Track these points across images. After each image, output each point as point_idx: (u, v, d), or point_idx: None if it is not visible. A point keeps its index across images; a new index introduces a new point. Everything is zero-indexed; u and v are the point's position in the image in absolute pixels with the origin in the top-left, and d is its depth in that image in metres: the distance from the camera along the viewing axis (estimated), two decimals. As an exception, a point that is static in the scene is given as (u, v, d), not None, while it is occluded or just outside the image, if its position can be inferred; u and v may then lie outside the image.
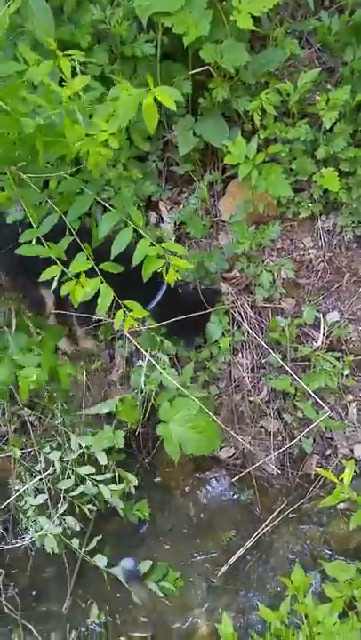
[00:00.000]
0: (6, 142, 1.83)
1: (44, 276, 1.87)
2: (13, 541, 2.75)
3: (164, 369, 2.58)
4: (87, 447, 2.60)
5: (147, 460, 2.97)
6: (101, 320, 2.86)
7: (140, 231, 1.95)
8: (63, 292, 1.84)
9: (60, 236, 2.01)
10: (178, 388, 2.54)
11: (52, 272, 1.86)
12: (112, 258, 1.90)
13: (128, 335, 2.61)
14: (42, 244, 1.93)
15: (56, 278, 1.86)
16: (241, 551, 2.68)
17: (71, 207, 1.98)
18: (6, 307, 2.72)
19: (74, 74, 1.69)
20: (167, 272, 1.95)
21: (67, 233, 1.99)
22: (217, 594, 2.64)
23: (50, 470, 2.65)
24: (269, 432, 2.88)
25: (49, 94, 1.67)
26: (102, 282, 1.91)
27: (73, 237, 1.95)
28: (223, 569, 2.67)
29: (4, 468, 2.95)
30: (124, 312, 1.93)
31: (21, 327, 2.63)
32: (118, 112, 1.65)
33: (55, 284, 1.87)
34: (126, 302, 1.94)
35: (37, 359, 2.37)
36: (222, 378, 2.93)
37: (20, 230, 2.31)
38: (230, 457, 2.94)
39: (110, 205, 2.01)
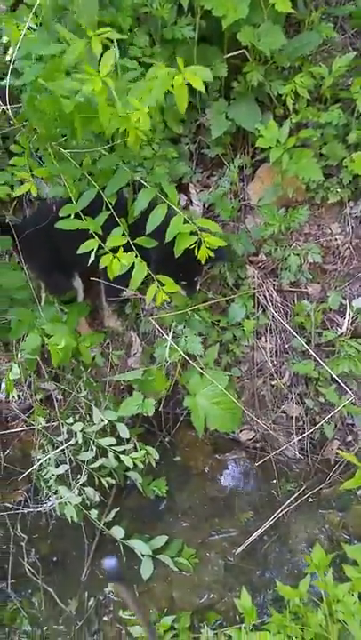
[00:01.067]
0: (47, 120, 1.89)
1: (82, 249, 1.92)
2: (34, 507, 2.81)
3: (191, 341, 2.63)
4: (109, 420, 2.66)
5: (167, 439, 3.02)
6: (128, 299, 2.91)
7: (175, 208, 1.99)
8: (101, 264, 1.90)
9: (96, 213, 2.07)
10: (201, 367, 2.60)
11: (90, 245, 1.92)
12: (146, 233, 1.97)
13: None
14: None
15: (93, 252, 1.91)
16: (259, 531, 2.71)
17: (109, 183, 2.04)
18: (36, 283, 2.78)
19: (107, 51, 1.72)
20: (199, 249, 1.99)
21: (103, 209, 2.05)
22: (234, 572, 2.68)
23: (72, 441, 2.71)
24: (290, 416, 2.91)
25: (87, 74, 1.71)
26: (137, 256, 1.96)
27: (110, 212, 2.01)
28: (240, 548, 2.70)
29: (27, 440, 3.03)
30: (157, 286, 1.98)
31: (49, 302, 2.71)
32: (152, 92, 1.69)
33: (92, 257, 1.92)
34: (159, 277, 1.99)
35: (65, 328, 2.45)
36: (245, 361, 2.96)
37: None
38: (250, 440, 2.97)
39: (146, 182, 2.06)
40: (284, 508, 2.74)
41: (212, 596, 2.63)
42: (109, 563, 1.49)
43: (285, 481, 2.87)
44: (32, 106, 1.84)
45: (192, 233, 1.96)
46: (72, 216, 1.98)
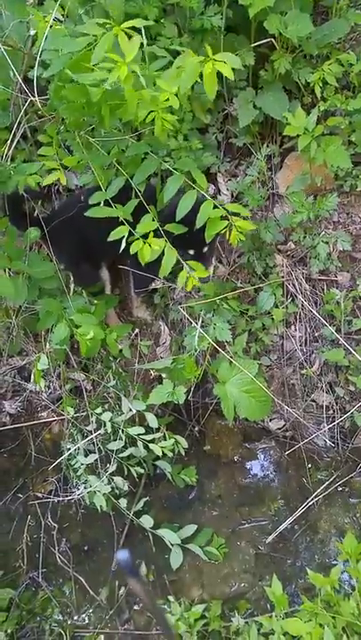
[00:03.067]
0: (75, 109, 1.92)
1: (113, 236, 1.94)
2: (64, 496, 2.84)
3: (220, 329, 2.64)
4: (138, 410, 2.68)
5: (196, 429, 3.03)
6: (157, 289, 2.93)
7: (205, 194, 2.01)
8: (132, 250, 1.92)
9: (124, 202, 2.10)
10: (230, 356, 2.60)
11: (121, 232, 1.94)
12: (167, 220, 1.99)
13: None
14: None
15: (124, 239, 1.94)
16: (289, 520, 2.70)
17: (137, 170, 2.06)
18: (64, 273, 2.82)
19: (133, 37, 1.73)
20: (230, 234, 2.00)
21: (132, 196, 2.07)
22: (264, 561, 2.67)
23: (101, 431, 2.74)
24: (320, 405, 2.90)
25: (113, 62, 1.73)
26: (167, 242, 1.98)
27: (139, 200, 2.03)
28: (271, 537, 2.70)
29: (58, 430, 3.07)
30: (188, 272, 2.00)
31: (77, 293, 2.74)
32: (181, 76, 1.70)
33: (123, 243, 1.94)
34: (190, 263, 2.00)
35: (93, 318, 2.47)
36: (274, 350, 2.96)
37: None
38: (280, 429, 2.97)
39: (174, 169, 2.07)
40: (315, 497, 2.73)
41: (242, 584, 2.63)
42: (122, 555, 1.50)
43: (316, 470, 2.86)
44: (59, 96, 1.86)
45: (222, 218, 1.97)
46: (102, 204, 2.00)
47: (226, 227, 1.96)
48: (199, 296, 2.80)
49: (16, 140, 2.63)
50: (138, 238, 1.92)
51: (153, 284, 2.87)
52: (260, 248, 2.80)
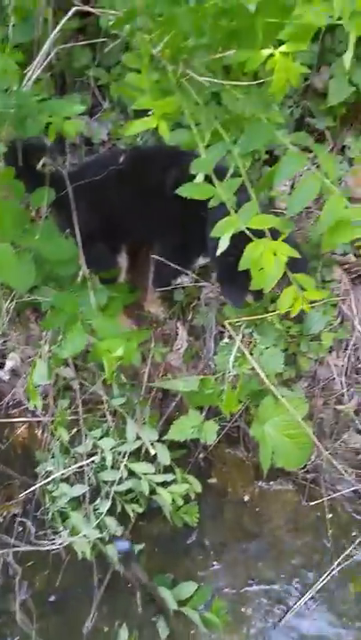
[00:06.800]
0: (191, 20, 1.28)
1: (215, 233, 1.35)
2: (35, 542, 2.25)
3: (261, 353, 2.13)
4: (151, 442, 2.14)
5: (202, 456, 2.52)
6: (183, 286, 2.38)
7: (330, 185, 1.45)
8: (243, 261, 1.33)
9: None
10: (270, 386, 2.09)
11: (229, 227, 1.34)
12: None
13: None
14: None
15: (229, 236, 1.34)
16: (307, 597, 2.25)
17: (243, 136, 1.47)
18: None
19: None
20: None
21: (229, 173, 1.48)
22: (272, 636, 2.22)
23: (95, 458, 2.18)
24: (350, 448, 2.47)
25: None
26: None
27: (241, 178, 1.44)
28: (285, 618, 2.23)
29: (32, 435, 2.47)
30: (296, 289, 1.44)
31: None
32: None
33: (224, 244, 1.35)
34: (298, 277, 1.46)
35: (117, 326, 1.87)
36: (306, 377, 2.48)
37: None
38: (301, 469, 2.51)
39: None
40: (338, 565, 2.30)
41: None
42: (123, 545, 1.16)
43: (338, 525, 2.42)
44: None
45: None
46: (201, 178, 1.39)
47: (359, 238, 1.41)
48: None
49: (40, 68, 1.94)
50: (251, 240, 1.33)
51: (179, 279, 2.32)
52: (318, 256, 2.29)
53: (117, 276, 2.28)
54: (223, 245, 1.34)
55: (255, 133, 1.48)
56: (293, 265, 1.43)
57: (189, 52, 1.36)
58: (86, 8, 1.82)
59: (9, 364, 2.57)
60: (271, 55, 1.27)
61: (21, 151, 1.90)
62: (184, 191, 1.38)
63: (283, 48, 1.26)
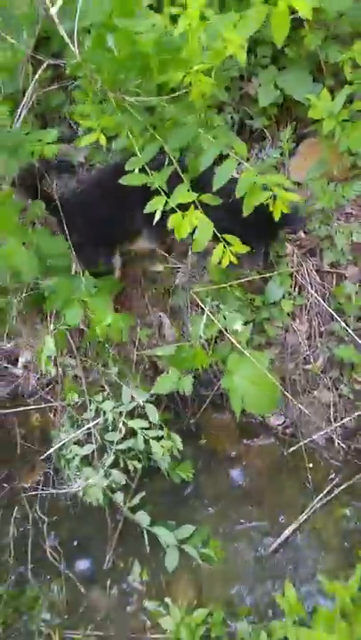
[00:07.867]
0: (114, 63, 1.74)
1: (149, 209, 1.78)
2: (58, 488, 2.65)
3: (224, 317, 2.51)
4: (143, 401, 2.52)
5: (192, 421, 2.89)
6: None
7: (244, 163, 1.87)
8: (169, 224, 1.76)
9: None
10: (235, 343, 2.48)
11: (158, 203, 1.77)
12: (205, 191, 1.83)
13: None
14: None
15: (159, 210, 1.77)
16: (292, 527, 2.58)
17: (172, 136, 1.90)
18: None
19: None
20: (274, 205, 1.85)
21: (165, 164, 1.91)
22: (263, 565, 2.54)
23: (99, 420, 2.57)
24: (323, 403, 2.81)
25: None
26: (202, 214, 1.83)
27: (174, 167, 1.87)
28: (274, 545, 2.56)
29: (47, 419, 2.87)
30: (224, 246, 1.85)
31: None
32: (246, 19, 1.53)
33: (158, 215, 1.78)
34: (226, 236, 1.86)
35: (104, 302, 2.31)
36: (276, 343, 2.85)
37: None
38: (280, 424, 2.86)
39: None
40: (319, 501, 2.63)
41: (240, 588, 2.50)
42: (84, 564, 1.39)
43: (317, 470, 2.76)
44: (100, 46, 1.69)
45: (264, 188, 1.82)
46: (137, 171, 1.83)
47: (268, 198, 1.81)
48: (203, 282, 2.68)
49: (26, 109, 2.44)
50: (175, 211, 1.76)
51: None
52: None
53: (108, 271, 2.68)
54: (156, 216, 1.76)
55: (181, 133, 1.91)
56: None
57: (121, 83, 1.81)
58: (57, 61, 2.31)
59: (21, 360, 2.99)
60: (184, 76, 1.69)
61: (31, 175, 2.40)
62: (125, 180, 1.81)
63: (195, 68, 1.68)
